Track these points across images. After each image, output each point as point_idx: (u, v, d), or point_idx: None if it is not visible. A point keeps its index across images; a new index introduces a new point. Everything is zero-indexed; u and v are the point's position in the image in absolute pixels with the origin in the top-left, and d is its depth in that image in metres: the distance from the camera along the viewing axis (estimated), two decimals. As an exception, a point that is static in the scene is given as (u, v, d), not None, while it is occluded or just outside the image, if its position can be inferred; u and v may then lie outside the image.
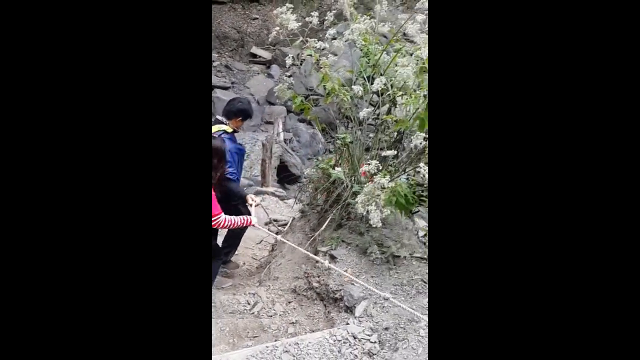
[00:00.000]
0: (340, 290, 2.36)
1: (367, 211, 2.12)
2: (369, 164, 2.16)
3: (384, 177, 2.12)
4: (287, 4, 2.92)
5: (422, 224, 3.25)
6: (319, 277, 2.53)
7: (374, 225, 2.11)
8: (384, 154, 2.44)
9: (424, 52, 2.49)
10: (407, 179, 2.66)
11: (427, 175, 2.11)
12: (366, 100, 3.04)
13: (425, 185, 2.55)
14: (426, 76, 2.50)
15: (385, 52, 3.10)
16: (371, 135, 3.23)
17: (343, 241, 2.65)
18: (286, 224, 3.69)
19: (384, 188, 2.11)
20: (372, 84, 2.74)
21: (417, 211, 2.82)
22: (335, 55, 3.24)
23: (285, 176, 6.75)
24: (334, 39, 3.02)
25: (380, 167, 2.16)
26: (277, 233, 3.54)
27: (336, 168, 2.62)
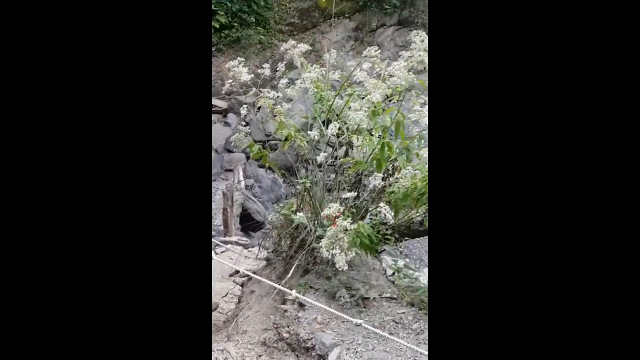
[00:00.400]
0: (312, 338, 2.30)
1: (332, 255, 2.12)
2: (330, 208, 2.18)
3: (346, 220, 2.13)
4: (238, 58, 2.99)
5: (389, 261, 3.26)
6: (288, 327, 2.46)
7: (340, 269, 2.10)
8: (344, 196, 2.47)
9: (374, 96, 2.60)
10: (370, 219, 2.70)
11: (388, 215, 2.15)
12: (325, 143, 3.10)
13: (388, 224, 2.58)
14: (378, 119, 2.60)
15: (338, 97, 3.21)
16: (331, 176, 3.27)
17: (311, 287, 2.61)
18: (253, 274, 3.60)
19: (347, 230, 2.12)
20: (327, 127, 2.81)
21: (383, 250, 2.84)
22: (291, 100, 3.32)
23: (249, 224, 6.65)
24: (288, 87, 3.11)
25: (342, 210, 2.18)
26: (241, 285, 3.44)
27: (298, 213, 2.62)
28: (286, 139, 3.01)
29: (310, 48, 3.42)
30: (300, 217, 2.56)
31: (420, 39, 2.50)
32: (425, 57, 2.23)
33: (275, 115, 3.06)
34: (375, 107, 2.73)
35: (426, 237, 3.23)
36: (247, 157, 9.94)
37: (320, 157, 2.55)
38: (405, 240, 2.88)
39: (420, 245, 5.27)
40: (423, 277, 3.00)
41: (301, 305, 2.49)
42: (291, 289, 2.72)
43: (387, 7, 10.46)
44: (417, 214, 2.62)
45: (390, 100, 2.75)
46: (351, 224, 2.19)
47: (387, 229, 2.67)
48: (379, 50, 2.91)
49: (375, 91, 2.65)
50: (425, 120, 2.30)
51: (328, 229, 2.19)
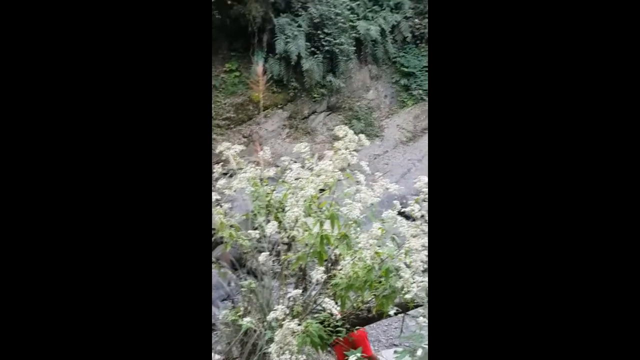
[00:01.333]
0: None
1: (283, 360, 2.06)
2: (275, 310, 2.16)
3: (293, 321, 2.11)
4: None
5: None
6: None
7: (292, 376, 2.04)
8: (289, 295, 2.47)
9: (307, 191, 2.72)
10: (319, 312, 2.68)
11: (334, 310, 2.16)
12: (267, 240, 3.12)
13: (335, 317, 2.57)
14: (313, 212, 2.69)
15: (276, 190, 3.31)
16: (277, 270, 3.26)
17: (266, 396, 2.47)
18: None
19: (295, 332, 2.09)
20: (268, 223, 2.87)
21: (336, 344, 2.79)
22: (233, 192, 3.37)
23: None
24: (225, 188, 3.17)
25: (287, 311, 2.17)
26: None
27: (245, 318, 2.56)
28: (230, 235, 3.03)
29: (244, 148, 3.58)
30: (247, 322, 2.50)
31: (343, 133, 2.71)
32: (347, 155, 2.41)
33: (216, 216, 3.09)
34: (311, 201, 2.85)
35: (379, 320, 3.23)
36: (193, 254, 9.61)
37: (262, 258, 2.57)
38: (357, 328, 2.86)
39: (376, 326, 5.21)
40: (381, 363, 2.95)
41: (257, 419, 2.34)
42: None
43: (315, 95, 11.22)
44: (365, 302, 2.64)
45: (322, 194, 2.88)
46: (299, 324, 2.17)
47: (337, 321, 2.65)
48: (308, 147, 3.10)
49: (308, 186, 2.78)
50: (356, 212, 2.42)
51: (276, 333, 2.15)
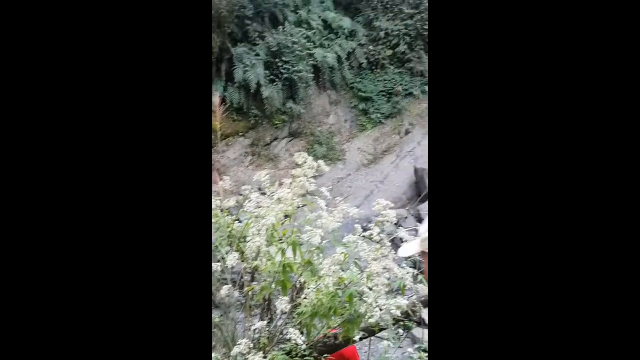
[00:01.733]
0: None
1: (249, 398, 2.00)
2: (239, 345, 2.11)
3: (257, 354, 2.07)
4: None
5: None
6: None
7: (259, 412, 1.98)
8: (253, 327, 2.42)
9: (269, 220, 2.70)
10: (286, 343, 2.63)
11: (299, 340, 2.13)
12: (229, 272, 3.06)
13: (303, 345, 2.53)
14: (275, 241, 2.68)
15: (237, 220, 3.27)
16: (242, 302, 3.19)
17: None
18: None
19: (260, 366, 2.05)
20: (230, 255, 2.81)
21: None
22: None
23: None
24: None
25: (252, 345, 2.12)
26: None
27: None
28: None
29: (203, 179, 3.53)
30: (212, 358, 2.42)
31: (302, 160, 2.74)
32: (305, 182, 2.43)
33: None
34: (273, 229, 2.83)
35: (346, 346, 3.21)
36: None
37: (224, 292, 2.52)
38: (325, 356, 2.83)
39: (347, 352, 5.14)
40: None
41: None
42: None
43: (277, 122, 11.30)
44: (330, 330, 2.62)
45: (285, 221, 2.87)
46: (265, 356, 2.12)
47: (304, 350, 2.61)
48: (268, 175, 3.11)
49: (269, 215, 2.77)
50: (317, 239, 2.43)
51: (241, 368, 2.09)
